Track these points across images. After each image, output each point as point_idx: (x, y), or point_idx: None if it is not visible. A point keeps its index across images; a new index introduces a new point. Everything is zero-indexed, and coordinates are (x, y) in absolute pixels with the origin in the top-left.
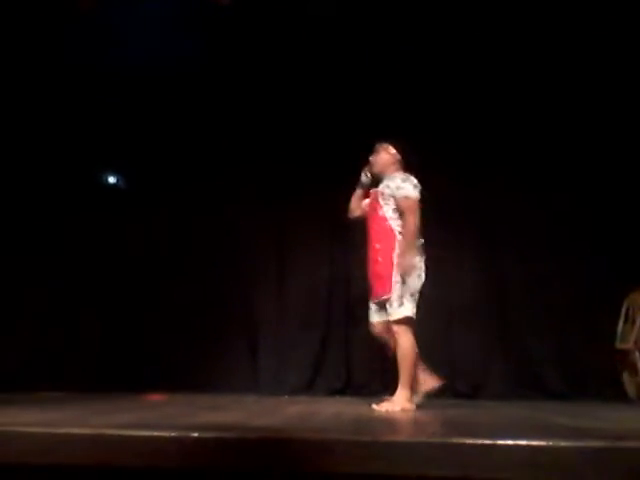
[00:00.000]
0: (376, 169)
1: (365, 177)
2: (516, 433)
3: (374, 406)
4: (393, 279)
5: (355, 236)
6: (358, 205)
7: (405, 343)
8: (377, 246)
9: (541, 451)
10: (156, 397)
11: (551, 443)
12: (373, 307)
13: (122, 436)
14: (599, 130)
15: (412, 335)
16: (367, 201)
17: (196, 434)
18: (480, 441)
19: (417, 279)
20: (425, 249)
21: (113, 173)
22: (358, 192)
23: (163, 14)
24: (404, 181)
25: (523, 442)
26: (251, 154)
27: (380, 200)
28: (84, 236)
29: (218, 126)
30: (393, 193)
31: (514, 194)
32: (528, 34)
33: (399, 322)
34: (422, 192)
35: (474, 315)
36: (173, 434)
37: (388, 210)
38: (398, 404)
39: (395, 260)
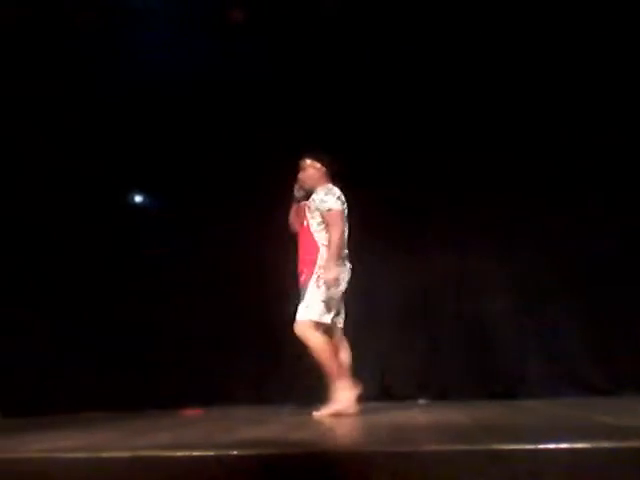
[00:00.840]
0: (307, 186)
1: (297, 193)
2: (558, 435)
3: (314, 413)
4: (310, 289)
5: (381, 244)
6: (296, 220)
7: (315, 345)
8: (303, 259)
9: (584, 454)
10: (192, 412)
11: (595, 445)
12: None
13: (162, 457)
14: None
15: (320, 335)
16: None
17: (236, 452)
18: (523, 446)
19: (333, 287)
20: (347, 260)
21: (136, 189)
22: (294, 207)
23: (179, 28)
24: (327, 194)
25: (565, 445)
26: (270, 163)
27: (307, 213)
28: (108, 248)
29: (236, 136)
30: (317, 206)
31: (541, 184)
32: (514, 33)
33: (302, 323)
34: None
35: (508, 312)
36: (213, 453)
37: (313, 223)
38: (339, 403)
39: (316, 273)
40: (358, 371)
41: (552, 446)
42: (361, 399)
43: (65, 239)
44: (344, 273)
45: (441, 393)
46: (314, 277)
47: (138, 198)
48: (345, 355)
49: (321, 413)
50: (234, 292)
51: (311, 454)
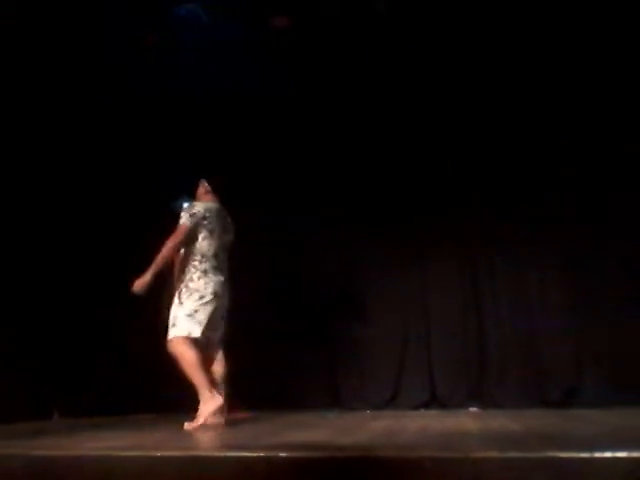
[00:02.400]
0: (195, 200)
1: None
2: (615, 444)
3: (185, 425)
4: (174, 305)
5: (434, 255)
6: None
7: (184, 359)
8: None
9: None
10: (239, 415)
11: None
12: None
13: (212, 457)
14: None
15: (189, 348)
16: None
17: (284, 454)
18: (577, 454)
19: (197, 300)
20: (216, 273)
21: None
22: None
23: (229, 42)
24: (186, 209)
25: (623, 454)
26: (325, 182)
27: None
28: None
29: (290, 148)
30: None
31: (595, 200)
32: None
33: (172, 342)
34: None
35: (562, 319)
36: (262, 454)
37: None
38: (202, 416)
39: (181, 285)
40: (408, 379)
41: (609, 455)
42: (223, 410)
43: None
44: (209, 285)
45: (493, 402)
46: (177, 292)
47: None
48: (219, 368)
49: (191, 425)
50: (283, 296)
51: (359, 458)
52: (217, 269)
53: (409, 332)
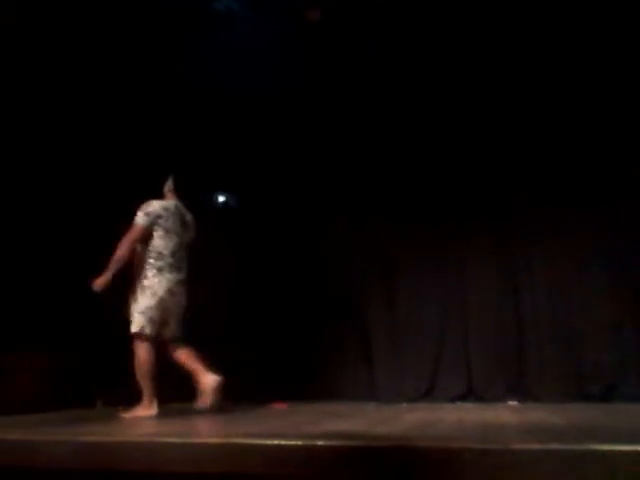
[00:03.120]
0: (163, 197)
1: None
2: None
3: (121, 414)
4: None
5: (472, 245)
6: None
7: (139, 356)
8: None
9: None
10: (280, 406)
11: None
12: None
13: (251, 444)
14: None
15: (146, 348)
16: None
17: (322, 442)
18: (620, 447)
19: (150, 297)
20: (171, 271)
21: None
22: None
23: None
24: (141, 208)
25: None
26: (357, 171)
27: None
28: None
29: (327, 142)
30: None
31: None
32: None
33: (132, 336)
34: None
35: (603, 312)
36: (301, 442)
37: None
38: (135, 412)
39: (137, 282)
40: (445, 372)
41: None
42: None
43: None
44: (162, 282)
45: (532, 395)
46: (133, 289)
47: (234, 202)
48: (186, 356)
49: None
50: (323, 289)
51: (397, 447)
52: (173, 267)
53: (446, 326)
